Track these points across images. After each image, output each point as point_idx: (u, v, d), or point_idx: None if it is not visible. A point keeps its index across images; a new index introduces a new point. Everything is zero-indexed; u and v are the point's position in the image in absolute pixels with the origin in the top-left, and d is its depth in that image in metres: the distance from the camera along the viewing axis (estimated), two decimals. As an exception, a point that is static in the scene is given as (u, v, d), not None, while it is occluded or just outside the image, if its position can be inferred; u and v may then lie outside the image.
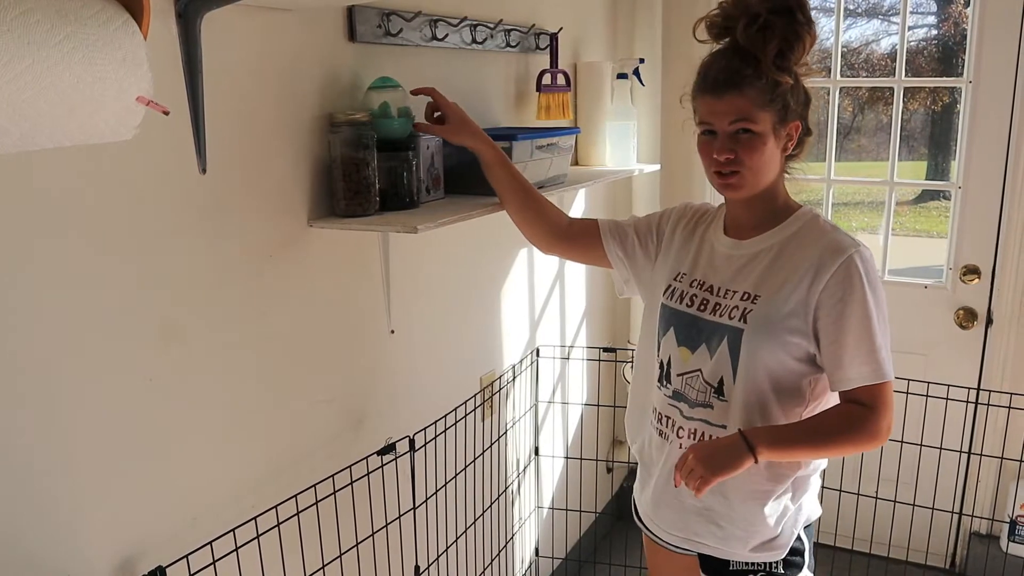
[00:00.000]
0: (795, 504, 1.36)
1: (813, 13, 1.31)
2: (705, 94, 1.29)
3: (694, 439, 1.35)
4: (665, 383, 1.41)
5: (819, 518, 1.43)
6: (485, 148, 1.51)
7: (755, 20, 1.24)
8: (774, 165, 1.31)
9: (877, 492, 2.35)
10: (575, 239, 1.57)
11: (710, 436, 1.34)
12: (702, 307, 1.36)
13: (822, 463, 1.40)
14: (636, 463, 1.54)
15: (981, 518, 2.64)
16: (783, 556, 1.36)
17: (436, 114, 1.51)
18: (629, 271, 1.54)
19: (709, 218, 1.45)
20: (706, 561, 1.41)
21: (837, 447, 1.33)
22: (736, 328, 1.30)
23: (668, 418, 1.40)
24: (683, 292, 1.40)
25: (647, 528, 1.52)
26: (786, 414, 1.31)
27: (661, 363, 1.42)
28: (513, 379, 2.17)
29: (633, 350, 2.74)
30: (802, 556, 1.39)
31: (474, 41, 1.80)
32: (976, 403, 2.36)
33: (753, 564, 1.37)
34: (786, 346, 1.28)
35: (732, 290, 1.34)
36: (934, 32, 3.68)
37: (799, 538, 1.38)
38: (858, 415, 1.26)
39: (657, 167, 2.54)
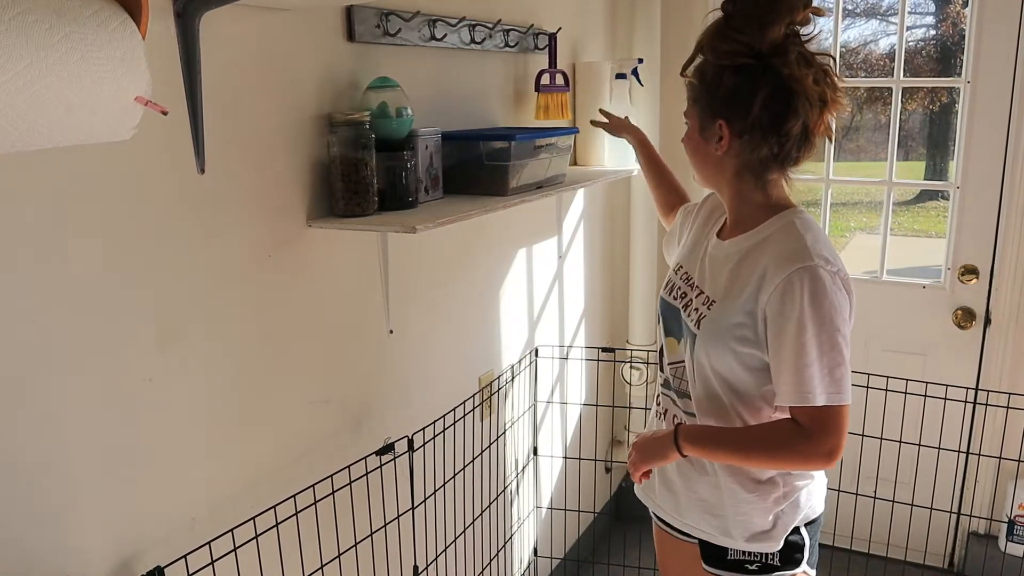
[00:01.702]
0: (787, 500, 1.35)
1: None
2: None
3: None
4: (660, 371, 1.47)
5: (822, 515, 1.42)
6: (637, 135, 1.86)
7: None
8: (707, 161, 1.33)
9: (876, 492, 2.35)
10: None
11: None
12: (681, 300, 1.39)
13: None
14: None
15: (979, 518, 2.65)
16: (778, 548, 1.36)
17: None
18: None
19: (721, 212, 1.46)
20: (706, 548, 1.41)
21: (766, 460, 1.30)
22: (692, 332, 1.33)
23: (660, 405, 1.45)
24: (674, 284, 1.44)
25: (653, 511, 1.52)
26: (755, 418, 1.31)
27: (660, 350, 1.47)
28: (512, 379, 2.17)
29: (632, 350, 2.76)
30: (801, 552, 1.39)
31: (473, 41, 1.80)
32: (975, 403, 2.36)
33: (749, 554, 1.38)
34: (736, 355, 1.27)
35: (702, 290, 1.35)
36: (932, 32, 3.68)
37: (798, 533, 1.38)
38: (789, 434, 1.24)
39: (656, 167, 2.54)
